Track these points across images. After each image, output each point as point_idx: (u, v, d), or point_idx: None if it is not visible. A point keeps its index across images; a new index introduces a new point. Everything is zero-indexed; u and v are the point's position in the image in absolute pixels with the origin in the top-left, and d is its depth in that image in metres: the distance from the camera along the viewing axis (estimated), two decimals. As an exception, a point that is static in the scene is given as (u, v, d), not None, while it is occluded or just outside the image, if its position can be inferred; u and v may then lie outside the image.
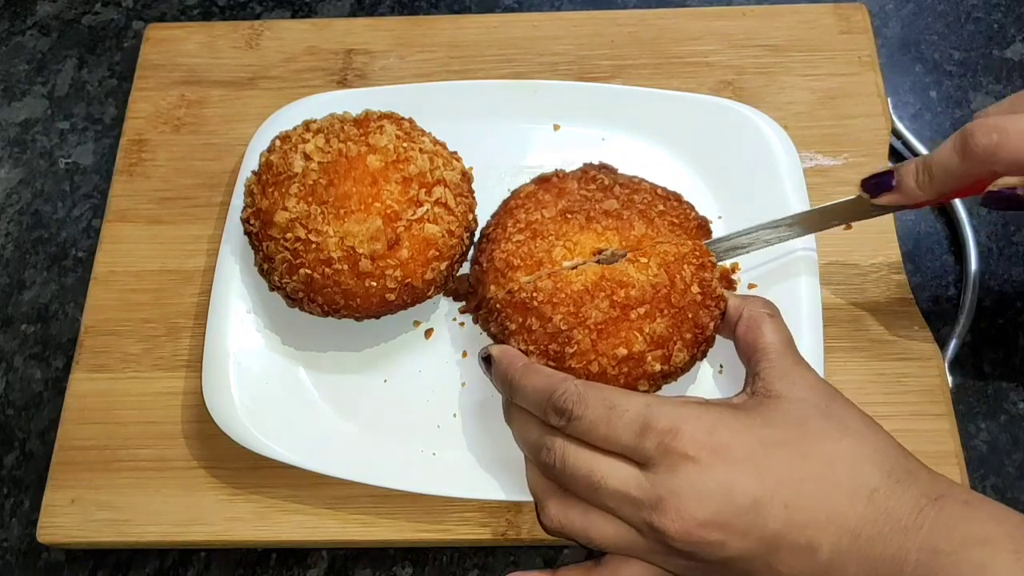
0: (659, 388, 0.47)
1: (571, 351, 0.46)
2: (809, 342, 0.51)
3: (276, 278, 0.50)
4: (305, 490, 0.51)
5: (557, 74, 0.63)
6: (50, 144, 0.66)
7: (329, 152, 0.50)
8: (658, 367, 0.46)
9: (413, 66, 0.65)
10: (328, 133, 0.51)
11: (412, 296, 0.50)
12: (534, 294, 0.47)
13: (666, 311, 0.46)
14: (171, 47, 0.66)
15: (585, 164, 0.53)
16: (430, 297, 0.51)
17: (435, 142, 0.53)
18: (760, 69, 0.63)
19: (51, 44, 0.70)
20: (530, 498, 0.46)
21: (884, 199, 0.47)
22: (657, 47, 0.64)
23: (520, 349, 0.47)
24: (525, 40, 0.65)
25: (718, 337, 0.49)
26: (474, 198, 0.53)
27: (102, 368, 0.56)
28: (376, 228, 0.48)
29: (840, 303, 0.55)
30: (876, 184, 0.47)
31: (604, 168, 0.53)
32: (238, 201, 0.55)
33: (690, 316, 0.47)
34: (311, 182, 0.49)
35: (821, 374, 0.50)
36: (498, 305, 0.48)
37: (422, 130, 0.53)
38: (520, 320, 0.47)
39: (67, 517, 0.52)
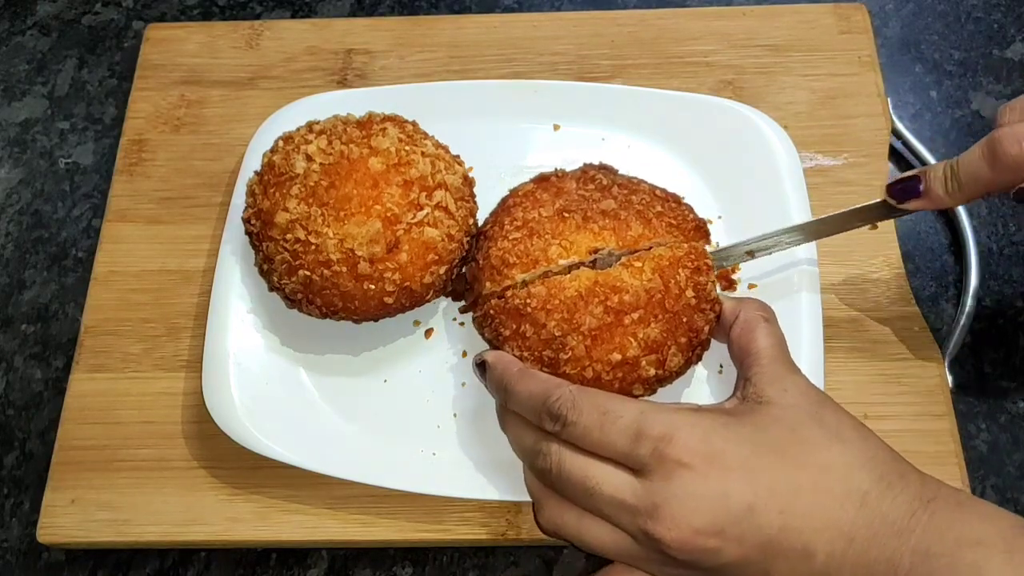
0: (654, 392, 0.47)
1: (565, 357, 0.46)
2: (809, 342, 0.51)
3: (275, 279, 0.50)
4: (305, 490, 0.51)
5: (557, 74, 0.63)
6: (50, 144, 0.66)
7: (331, 154, 0.50)
8: (653, 372, 0.46)
9: (413, 66, 0.65)
10: (331, 135, 0.51)
11: (410, 300, 0.50)
12: (528, 300, 0.47)
13: (660, 316, 0.46)
14: (171, 47, 0.66)
15: (585, 164, 0.53)
16: (428, 301, 0.51)
17: (437, 145, 0.53)
18: (760, 69, 0.63)
19: (51, 44, 0.70)
20: (529, 498, 0.46)
21: (911, 205, 0.47)
22: (657, 47, 0.64)
23: (515, 355, 0.47)
24: (525, 40, 0.65)
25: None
26: (475, 202, 0.53)
27: (102, 368, 0.56)
28: (376, 231, 0.48)
29: (840, 303, 0.55)
30: (903, 190, 0.47)
31: (604, 168, 0.53)
32: (238, 201, 0.55)
33: (684, 320, 0.47)
34: (312, 183, 0.49)
35: (822, 374, 0.50)
36: (492, 311, 0.48)
37: (425, 133, 0.53)
38: (514, 326, 0.47)
39: (67, 517, 0.52)
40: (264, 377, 0.52)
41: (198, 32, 0.67)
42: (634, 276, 0.47)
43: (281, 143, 0.52)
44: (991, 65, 0.65)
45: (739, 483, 0.39)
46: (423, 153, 0.51)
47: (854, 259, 0.57)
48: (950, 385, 0.54)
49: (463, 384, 0.52)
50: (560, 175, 0.52)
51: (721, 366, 0.52)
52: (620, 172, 0.53)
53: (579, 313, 0.46)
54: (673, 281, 0.47)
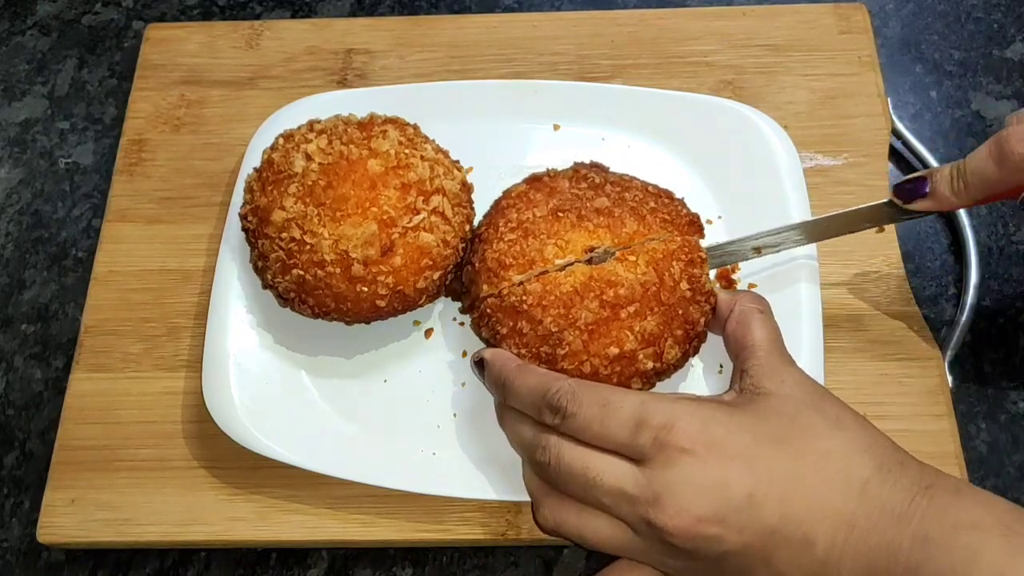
0: (652, 386, 0.48)
1: (563, 352, 0.46)
2: (809, 342, 0.51)
3: (269, 276, 0.50)
4: (305, 490, 0.51)
5: (557, 74, 0.63)
6: (50, 144, 0.66)
7: (331, 154, 0.50)
8: (650, 365, 0.46)
9: (413, 66, 0.65)
10: (331, 134, 0.51)
11: (403, 304, 0.50)
12: (524, 297, 0.47)
13: (656, 308, 0.46)
14: (171, 47, 0.66)
15: (576, 163, 0.53)
16: (421, 305, 0.51)
17: (437, 150, 0.53)
18: (760, 69, 0.63)
19: (51, 44, 0.70)
20: (529, 498, 0.46)
21: (917, 205, 0.47)
22: (657, 47, 0.64)
23: (513, 352, 0.47)
24: (525, 40, 0.65)
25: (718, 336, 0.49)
26: (472, 209, 0.52)
27: (102, 368, 0.56)
28: (371, 233, 0.48)
29: (840, 303, 0.55)
30: (909, 190, 0.47)
31: (595, 167, 0.53)
32: (238, 200, 0.55)
33: (680, 312, 0.47)
34: (310, 183, 0.49)
35: (821, 374, 0.50)
36: (488, 310, 0.48)
37: (425, 137, 0.53)
38: (511, 324, 0.47)
39: (67, 517, 0.52)
40: (264, 377, 0.52)
41: (198, 32, 0.67)
42: (628, 270, 0.47)
43: (281, 141, 0.52)
44: (991, 65, 0.65)
45: (739, 472, 0.39)
46: (422, 157, 0.51)
47: (854, 259, 0.57)
48: (950, 385, 0.54)
49: (463, 384, 0.52)
50: (552, 175, 0.52)
51: (721, 366, 0.52)
52: (612, 170, 0.53)
53: (575, 308, 0.46)
54: (667, 274, 0.47)
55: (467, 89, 0.60)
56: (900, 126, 0.62)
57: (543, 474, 0.44)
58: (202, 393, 0.51)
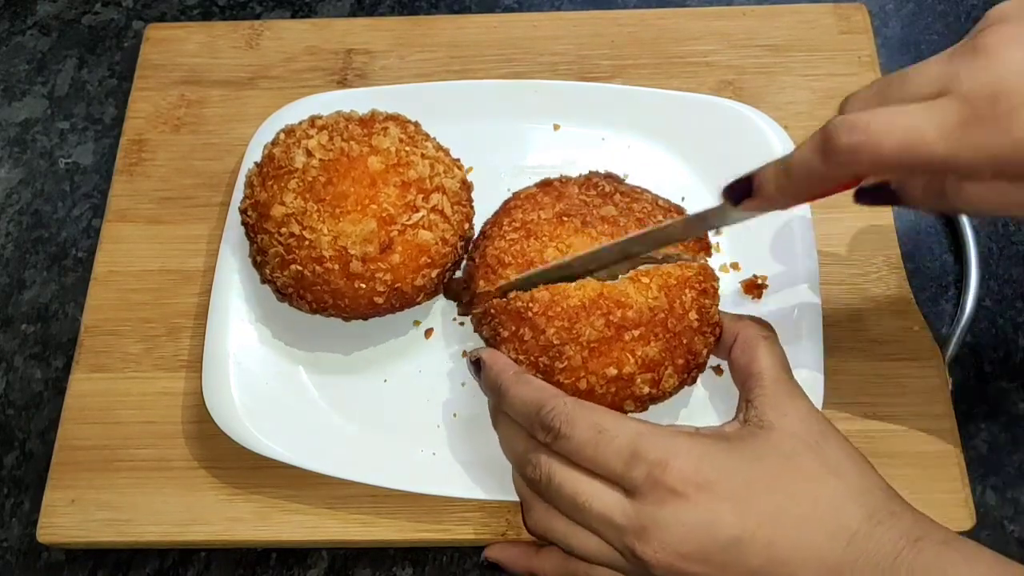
0: (645, 409, 0.47)
1: (561, 366, 0.45)
2: (809, 342, 0.51)
3: (268, 271, 0.50)
4: (305, 490, 0.51)
5: (557, 74, 0.63)
6: (50, 144, 0.66)
7: (331, 150, 0.50)
8: (647, 390, 0.46)
9: (413, 66, 0.65)
10: (332, 131, 0.51)
11: (401, 301, 0.50)
12: (530, 304, 0.46)
13: (661, 335, 0.46)
14: (171, 47, 0.66)
15: (591, 171, 0.53)
16: (418, 303, 0.51)
17: (438, 148, 0.53)
18: (760, 69, 0.63)
19: (51, 44, 0.70)
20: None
21: (745, 206, 0.43)
22: (657, 47, 0.64)
23: (510, 357, 0.47)
24: (525, 40, 0.65)
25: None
26: (472, 208, 0.52)
27: (102, 368, 0.56)
28: (370, 230, 0.48)
29: (840, 303, 0.55)
30: (736, 190, 0.43)
31: (608, 177, 0.52)
32: (238, 200, 0.55)
33: (684, 342, 0.46)
34: (310, 179, 0.49)
35: (821, 373, 0.50)
36: (493, 310, 0.48)
37: (426, 135, 0.53)
38: (513, 328, 0.47)
39: (67, 517, 0.52)
40: (264, 377, 0.52)
41: (198, 32, 0.67)
42: (640, 292, 0.46)
43: (283, 136, 0.52)
44: (991, 65, 0.65)
45: (729, 514, 0.39)
46: (423, 155, 0.51)
47: (854, 259, 0.57)
48: (950, 385, 0.53)
49: (463, 384, 0.52)
50: (564, 180, 0.52)
51: (721, 366, 0.52)
52: (626, 181, 0.53)
53: (580, 323, 0.45)
54: (678, 301, 0.46)
55: (467, 89, 0.60)
56: (900, 126, 0.62)
57: (533, 488, 0.44)
58: (202, 393, 0.51)
